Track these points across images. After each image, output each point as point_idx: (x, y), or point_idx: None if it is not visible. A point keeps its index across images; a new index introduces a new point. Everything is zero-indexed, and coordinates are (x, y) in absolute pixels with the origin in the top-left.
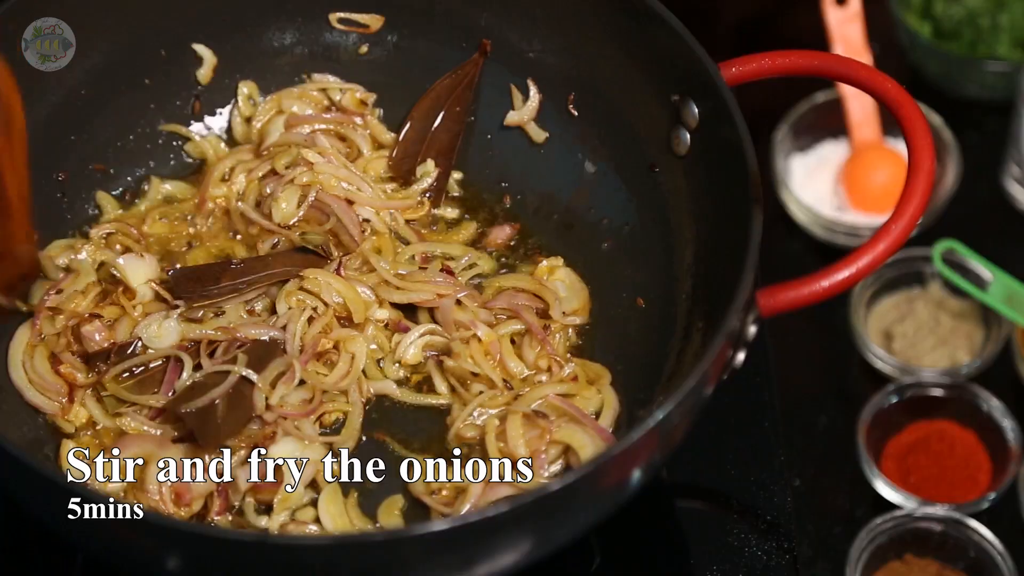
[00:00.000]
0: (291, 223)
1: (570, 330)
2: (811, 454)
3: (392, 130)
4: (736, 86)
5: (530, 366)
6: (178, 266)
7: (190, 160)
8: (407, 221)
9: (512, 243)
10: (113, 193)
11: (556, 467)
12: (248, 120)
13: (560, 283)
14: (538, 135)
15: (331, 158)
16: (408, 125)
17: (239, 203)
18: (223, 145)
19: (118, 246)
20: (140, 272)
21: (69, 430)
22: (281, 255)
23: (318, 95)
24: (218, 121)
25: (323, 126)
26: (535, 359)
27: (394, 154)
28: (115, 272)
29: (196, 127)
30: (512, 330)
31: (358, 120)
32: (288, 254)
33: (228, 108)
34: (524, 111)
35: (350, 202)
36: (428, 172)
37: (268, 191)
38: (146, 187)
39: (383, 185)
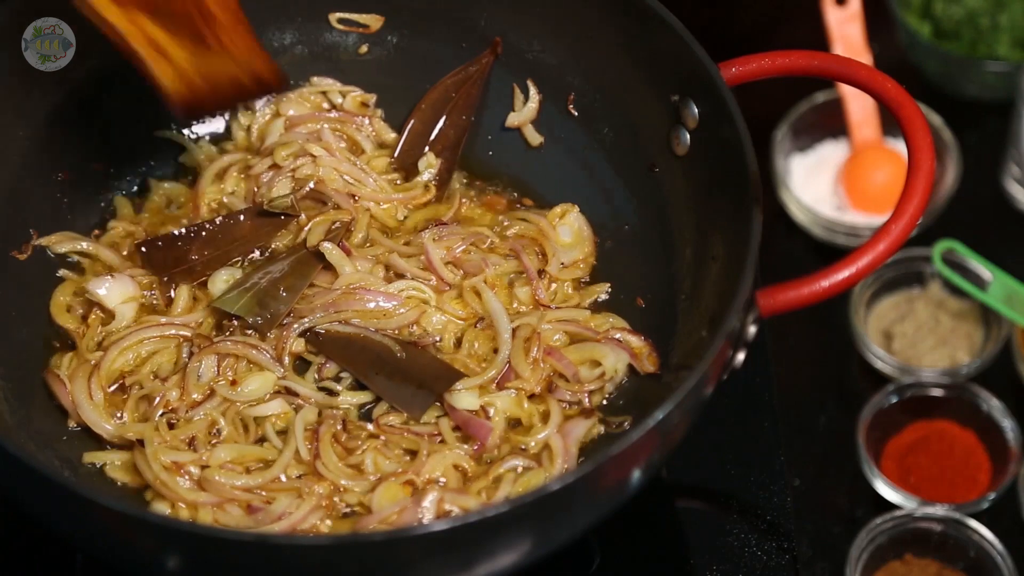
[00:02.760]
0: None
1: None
2: (811, 454)
3: (393, 130)
4: (736, 86)
5: (524, 304)
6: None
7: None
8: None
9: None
10: (121, 194)
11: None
12: (248, 129)
13: (566, 228)
14: (534, 139)
15: (335, 152)
16: (415, 119)
17: (225, 198)
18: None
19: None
20: (116, 293)
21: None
22: (248, 218)
23: (318, 98)
24: (217, 123)
25: (326, 125)
26: (528, 300)
27: (399, 147)
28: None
29: (195, 130)
30: (509, 269)
31: (365, 121)
32: (253, 218)
33: (226, 116)
34: (523, 113)
35: (353, 196)
36: (430, 165)
37: (264, 181)
38: (150, 188)
39: (386, 177)
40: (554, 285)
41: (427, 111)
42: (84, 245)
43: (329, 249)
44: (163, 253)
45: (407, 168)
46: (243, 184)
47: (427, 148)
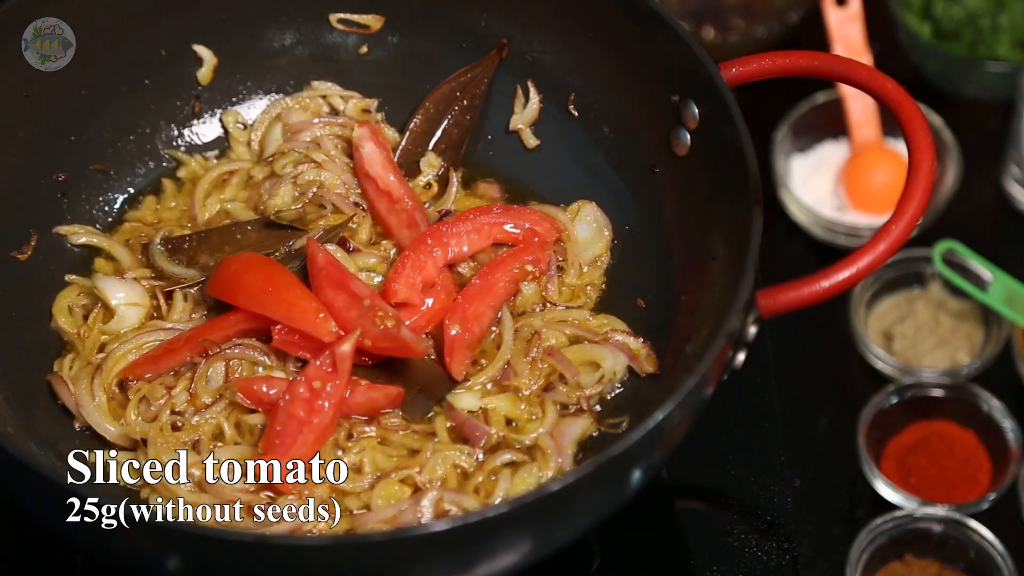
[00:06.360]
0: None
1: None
2: (811, 454)
3: (393, 129)
4: (736, 86)
5: (528, 302)
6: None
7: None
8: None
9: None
10: (126, 193)
11: (595, 389)
12: (247, 144)
13: (583, 223)
14: (531, 141)
15: (335, 160)
16: (418, 117)
17: (228, 205)
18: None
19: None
20: (122, 294)
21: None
22: (255, 229)
23: (318, 103)
24: (215, 131)
25: (326, 131)
26: (534, 297)
27: (401, 146)
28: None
29: (196, 129)
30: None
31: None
32: (260, 229)
33: (222, 128)
34: (525, 114)
35: (356, 203)
36: (432, 165)
37: (265, 188)
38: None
39: None
40: (569, 281)
41: (431, 110)
42: (101, 240)
43: (332, 251)
44: (172, 255)
45: (408, 167)
46: (243, 192)
47: (430, 147)
